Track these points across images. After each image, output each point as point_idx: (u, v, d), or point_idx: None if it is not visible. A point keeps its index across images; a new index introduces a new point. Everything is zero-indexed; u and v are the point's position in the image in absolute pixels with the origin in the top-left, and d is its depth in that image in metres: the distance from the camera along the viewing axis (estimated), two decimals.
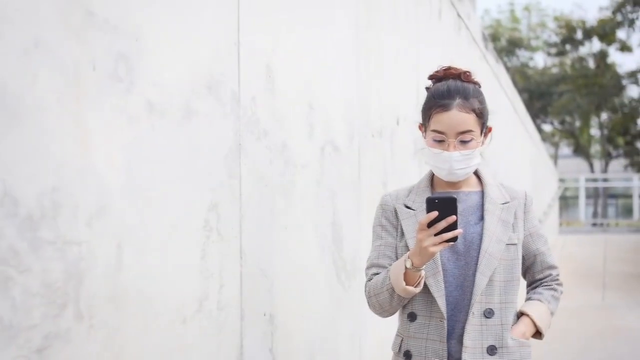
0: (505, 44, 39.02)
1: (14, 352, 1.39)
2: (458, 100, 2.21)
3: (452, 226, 2.04)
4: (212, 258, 2.07)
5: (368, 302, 2.32)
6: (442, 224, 2.02)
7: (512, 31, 40.13)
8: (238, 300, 2.22)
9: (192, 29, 2.00)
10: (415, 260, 2.10)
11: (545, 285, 2.43)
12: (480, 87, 2.32)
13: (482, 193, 2.34)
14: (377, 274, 2.29)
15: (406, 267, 2.12)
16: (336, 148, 3.03)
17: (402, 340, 2.32)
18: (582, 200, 27.89)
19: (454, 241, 2.06)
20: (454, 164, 2.22)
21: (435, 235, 2.04)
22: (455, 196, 2.10)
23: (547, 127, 41.11)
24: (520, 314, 2.35)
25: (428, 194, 2.30)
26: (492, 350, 2.22)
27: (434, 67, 2.36)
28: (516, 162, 10.94)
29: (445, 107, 2.21)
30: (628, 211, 34.21)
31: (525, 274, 2.46)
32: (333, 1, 3.06)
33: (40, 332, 1.45)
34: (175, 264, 1.91)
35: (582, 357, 7.83)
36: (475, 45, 6.44)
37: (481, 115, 2.25)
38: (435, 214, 2.02)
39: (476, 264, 2.23)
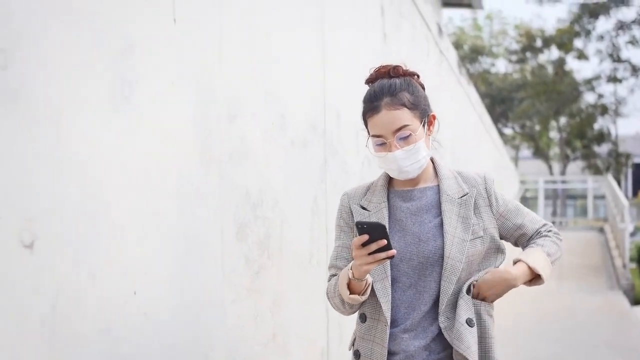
0: (468, 51, 40.31)
1: (249, 272, 2.73)
2: (385, 100, 2.15)
3: (386, 246, 2.02)
4: (315, 230, 3.41)
5: (329, 302, 2.33)
6: (373, 246, 2.02)
7: (475, 39, 41.31)
8: (325, 258, 3.55)
9: (305, 96, 3.34)
10: (355, 272, 2.08)
11: (538, 236, 2.35)
12: (415, 76, 2.27)
13: (439, 188, 2.27)
14: (335, 274, 2.30)
15: (349, 277, 2.12)
16: (369, 161, 4.38)
17: (354, 339, 2.32)
18: (541, 200, 29.36)
19: (391, 258, 2.04)
20: (400, 162, 2.15)
21: (369, 254, 2.02)
22: (383, 223, 2.09)
23: (508, 131, 42.46)
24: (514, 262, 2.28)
25: (384, 194, 2.28)
26: (470, 322, 2.17)
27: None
28: (481, 167, 12.42)
29: (375, 110, 2.16)
30: (585, 211, 35.81)
31: (516, 245, 2.41)
32: (369, 59, 4.41)
33: (256, 263, 2.79)
34: (302, 234, 3.25)
35: (534, 331, 9.22)
36: (452, 72, 7.84)
37: (414, 107, 2.18)
38: (365, 237, 2.01)
39: (433, 265, 2.19)
